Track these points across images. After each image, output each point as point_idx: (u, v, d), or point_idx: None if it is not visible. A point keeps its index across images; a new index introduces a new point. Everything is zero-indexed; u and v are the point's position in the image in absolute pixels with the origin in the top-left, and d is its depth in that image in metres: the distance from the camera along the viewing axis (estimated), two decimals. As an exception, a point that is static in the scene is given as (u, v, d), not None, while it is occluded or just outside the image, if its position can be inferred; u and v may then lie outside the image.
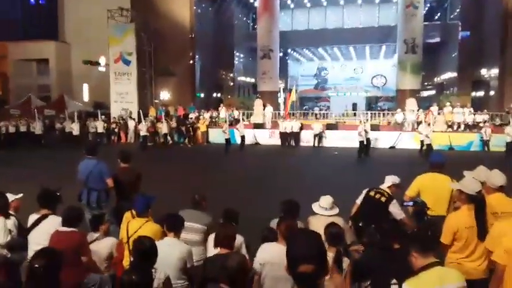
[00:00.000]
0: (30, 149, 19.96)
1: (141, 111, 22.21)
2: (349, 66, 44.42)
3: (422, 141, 17.45)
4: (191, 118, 23.44)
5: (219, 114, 24.94)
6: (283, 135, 21.55)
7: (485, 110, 22.16)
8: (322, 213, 4.45)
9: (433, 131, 18.25)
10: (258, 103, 25.24)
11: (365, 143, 17.31)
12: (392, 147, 20.34)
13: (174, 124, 22.65)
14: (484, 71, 27.16)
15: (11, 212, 4.69)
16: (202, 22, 32.52)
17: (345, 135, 21.22)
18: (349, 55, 43.25)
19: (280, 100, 30.63)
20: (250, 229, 4.72)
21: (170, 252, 3.69)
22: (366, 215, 4.91)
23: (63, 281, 2.89)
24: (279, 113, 26.09)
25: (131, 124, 23.51)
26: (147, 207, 4.45)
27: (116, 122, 24.14)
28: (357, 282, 3.57)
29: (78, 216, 4.21)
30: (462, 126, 21.18)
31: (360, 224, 4.88)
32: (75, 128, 21.65)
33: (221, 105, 26.78)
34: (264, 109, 24.34)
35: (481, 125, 20.25)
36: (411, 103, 22.89)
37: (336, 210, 4.53)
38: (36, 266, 2.61)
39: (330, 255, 3.22)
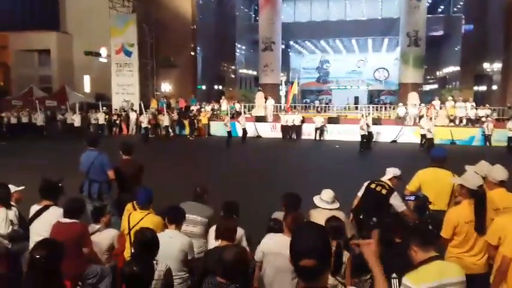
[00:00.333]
0: (32, 140, 19.99)
1: (142, 103, 22.18)
2: (352, 59, 44.21)
3: (423, 135, 17.42)
4: (192, 110, 23.40)
5: (220, 106, 24.89)
6: (285, 128, 21.54)
7: (488, 105, 22.06)
8: (324, 207, 4.46)
9: (435, 125, 18.20)
10: (259, 96, 25.16)
11: (367, 136, 17.29)
12: (394, 141, 20.32)
13: (175, 116, 22.63)
14: (486, 65, 26.98)
15: (12, 203, 4.71)
16: (204, 13, 32.31)
17: (346, 129, 21.20)
18: (352, 48, 43.03)
19: (282, 93, 30.52)
20: (251, 221, 4.74)
21: (171, 244, 3.71)
22: (366, 207, 4.92)
23: (64, 272, 2.91)
24: (280, 106, 26.02)
25: (133, 116, 23.50)
26: (149, 199, 4.46)
27: (117, 113, 24.13)
28: (357, 276, 3.58)
29: (80, 208, 4.22)
30: (464, 121, 21.12)
31: (361, 217, 4.89)
32: (76, 120, 21.67)
33: (222, 97, 26.70)
34: (265, 102, 24.27)
35: (483, 119, 20.19)
36: (413, 97, 22.80)
37: (337, 205, 4.53)
38: (37, 256, 2.62)
39: (331, 248, 3.23)
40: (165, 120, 21.73)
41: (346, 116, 25.75)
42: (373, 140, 18.50)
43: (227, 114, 21.29)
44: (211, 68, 34.22)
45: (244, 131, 19.93)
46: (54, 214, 4.28)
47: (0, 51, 34.37)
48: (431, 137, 16.79)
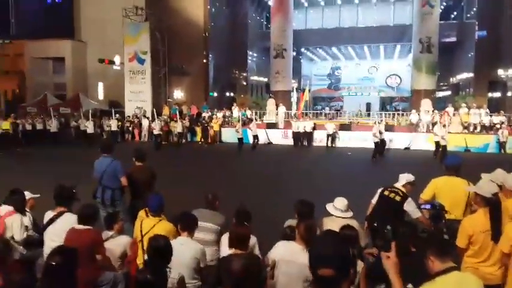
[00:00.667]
0: (46, 146, 20.26)
1: (154, 110, 22.35)
2: (363, 66, 44.05)
3: (437, 143, 17.21)
4: (204, 117, 23.50)
5: (232, 113, 24.97)
6: (296, 135, 21.48)
7: (502, 112, 21.75)
8: (338, 215, 4.42)
9: (449, 132, 17.99)
10: (270, 103, 25.20)
11: (380, 143, 17.15)
12: (407, 148, 20.12)
13: (187, 123, 22.75)
14: (501, 72, 26.63)
15: (26, 209, 4.77)
16: (216, 21, 32.58)
17: (358, 136, 21.08)
18: (363, 54, 42.88)
19: (293, 99, 30.53)
20: (263, 229, 4.72)
21: (183, 251, 3.70)
22: (381, 214, 4.87)
23: (78, 279, 2.91)
24: (291, 113, 26.00)
25: (145, 123, 23.69)
26: (160, 206, 4.47)
27: (130, 120, 24.35)
28: (371, 286, 3.53)
29: (94, 215, 4.25)
30: (478, 128, 20.84)
31: (375, 224, 4.84)
32: (89, 126, 21.90)
33: (234, 104, 26.79)
34: (276, 109, 24.28)
35: (498, 126, 19.90)
36: (426, 104, 22.60)
37: (351, 213, 4.50)
38: (53, 263, 2.63)
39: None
40: (178, 127, 21.84)
41: (358, 122, 25.61)
42: (386, 147, 18.33)
43: (239, 121, 21.33)
44: (223, 75, 34.41)
45: (256, 138, 19.93)
46: (68, 221, 4.31)
47: (16, 58, 35.04)
48: (445, 144, 16.57)
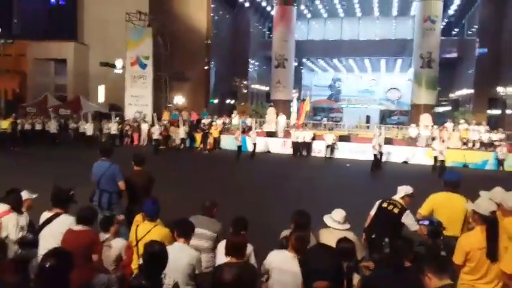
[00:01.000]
0: (45, 147, 20.22)
1: (155, 114, 22.37)
2: (364, 79, 44.28)
3: (435, 158, 17.24)
4: (204, 124, 23.52)
5: (231, 120, 24.99)
6: (295, 145, 21.49)
7: (501, 129, 21.83)
8: (335, 227, 4.41)
9: (448, 148, 18.03)
10: (271, 111, 25.24)
11: (378, 156, 17.18)
12: (405, 162, 20.14)
13: (187, 129, 22.77)
14: (500, 89, 26.80)
15: (23, 210, 4.75)
16: (219, 29, 32.79)
17: (357, 148, 21.11)
18: (364, 67, 43.16)
19: (293, 109, 30.59)
20: (260, 238, 4.70)
21: (179, 257, 3.69)
22: (379, 226, 4.88)
23: (72, 280, 2.90)
24: (291, 122, 26.03)
25: (144, 127, 23.68)
26: (156, 210, 4.45)
27: (129, 124, 24.35)
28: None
29: (93, 216, 4.29)
30: (477, 144, 20.89)
31: (373, 236, 4.84)
32: (88, 129, 21.88)
33: (234, 112, 26.83)
34: (276, 118, 24.32)
35: (497, 143, 19.96)
36: (426, 118, 22.68)
37: (348, 225, 4.48)
38: (47, 265, 2.61)
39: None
40: (180, 132, 21.86)
41: (358, 134, 25.66)
42: (383, 160, 18.34)
43: (238, 128, 21.34)
44: (223, 83, 34.53)
45: (254, 146, 19.93)
46: (64, 222, 4.30)
47: (18, 59, 35.14)
48: (443, 159, 16.60)
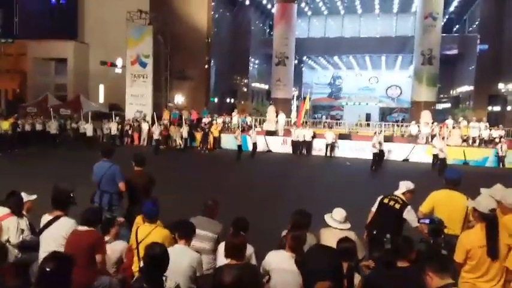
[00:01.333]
0: (45, 147, 20.21)
1: (155, 113, 22.36)
2: (364, 76, 44.27)
3: (436, 155, 17.22)
4: (204, 123, 23.51)
5: (231, 119, 24.98)
6: (295, 144, 21.47)
7: (501, 126, 21.80)
8: (335, 226, 4.41)
9: (448, 145, 18.01)
10: (271, 110, 25.22)
11: (379, 154, 17.15)
12: (405, 160, 20.12)
13: (187, 128, 22.76)
14: (501, 86, 26.76)
15: (23, 212, 4.75)
16: (219, 27, 32.74)
17: (357, 146, 21.09)
18: (365, 64, 43.13)
19: (293, 107, 30.59)
20: (260, 239, 4.70)
21: (180, 259, 3.68)
22: (380, 222, 4.88)
23: (75, 281, 2.90)
24: (291, 121, 26.02)
25: (145, 127, 23.66)
26: (156, 212, 4.45)
27: (129, 124, 24.33)
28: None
29: (97, 218, 4.31)
30: (477, 141, 20.87)
31: (375, 232, 4.84)
32: (88, 129, 21.87)
33: (235, 111, 26.80)
34: (277, 116, 24.30)
35: (497, 140, 19.94)
36: (426, 115, 22.64)
37: (349, 225, 4.48)
38: (47, 269, 2.61)
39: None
40: (183, 131, 21.86)
41: (358, 132, 25.64)
42: (384, 158, 18.33)
43: (238, 127, 21.33)
44: (224, 81, 34.51)
45: (255, 145, 19.91)
46: (65, 225, 4.30)
47: (18, 58, 35.12)
48: (444, 156, 16.57)
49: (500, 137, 20.18)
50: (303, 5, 36.20)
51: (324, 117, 35.99)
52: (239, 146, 19.20)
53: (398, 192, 5.06)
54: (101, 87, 31.11)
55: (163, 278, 3.17)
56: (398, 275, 3.30)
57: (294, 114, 27.11)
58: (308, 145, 21.50)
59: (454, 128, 21.62)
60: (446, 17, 33.29)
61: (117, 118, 24.09)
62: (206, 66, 30.00)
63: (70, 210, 4.58)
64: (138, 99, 26.46)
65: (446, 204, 4.77)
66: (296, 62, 34.05)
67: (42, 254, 3.98)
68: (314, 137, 21.83)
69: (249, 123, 24.03)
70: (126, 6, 26.56)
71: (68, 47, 34.84)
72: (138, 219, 4.67)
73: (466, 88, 33.24)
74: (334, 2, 36.74)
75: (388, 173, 15.85)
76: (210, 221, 4.70)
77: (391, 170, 16.76)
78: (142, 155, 6.37)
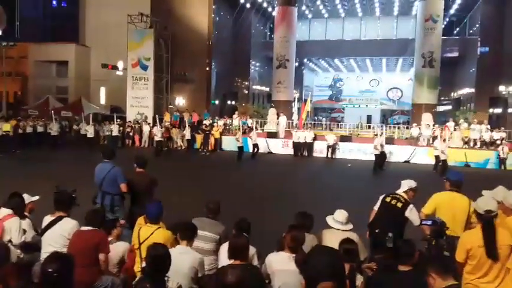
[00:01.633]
0: (46, 149, 20.24)
1: (157, 116, 22.41)
2: (365, 78, 44.32)
3: (437, 157, 17.22)
4: (205, 125, 23.54)
5: (232, 121, 25.00)
6: (296, 145, 21.48)
7: (503, 128, 21.79)
8: (337, 228, 4.41)
9: (449, 147, 18.01)
10: (272, 112, 25.25)
11: (380, 156, 17.15)
12: (406, 162, 20.11)
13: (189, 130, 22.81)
14: (502, 88, 26.76)
15: (26, 213, 4.76)
16: (220, 30, 32.80)
17: (358, 148, 21.10)
18: (365, 67, 43.18)
19: (294, 110, 30.61)
20: (262, 240, 4.69)
21: (182, 260, 3.68)
22: (382, 221, 4.88)
23: (78, 280, 2.91)
24: (292, 123, 26.02)
25: (146, 129, 23.72)
26: (159, 213, 4.45)
27: (130, 125, 24.38)
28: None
29: (101, 219, 4.35)
30: (479, 143, 20.86)
31: (377, 231, 4.83)
32: (90, 131, 21.91)
33: (236, 113, 26.81)
34: (277, 118, 24.31)
35: (498, 142, 19.93)
36: (427, 118, 22.65)
37: (351, 226, 4.48)
38: (49, 270, 2.62)
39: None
40: (186, 133, 21.91)
41: (359, 134, 25.64)
42: (386, 160, 18.33)
43: (239, 129, 21.34)
44: (225, 83, 34.56)
45: (255, 147, 19.93)
46: (67, 226, 4.31)
47: (19, 61, 35.25)
48: (445, 158, 16.58)
49: (502, 139, 20.17)
50: (303, 8, 36.28)
51: (323, 119, 36.05)
52: (240, 148, 19.21)
53: (400, 191, 5.07)
54: (102, 90, 31.19)
55: (165, 279, 3.17)
56: (400, 278, 3.30)
57: (295, 116, 27.08)
58: (309, 147, 21.50)
59: (455, 130, 21.62)
60: (447, 19, 33.32)
61: (119, 120, 24.13)
62: (207, 68, 30.05)
63: (72, 211, 4.59)
64: (139, 102, 26.53)
65: (448, 205, 4.76)
66: (297, 64, 34.02)
67: (44, 254, 3.99)
68: (315, 138, 21.84)
69: (249, 125, 24.04)
70: (127, 10, 26.66)
71: (69, 49, 34.98)
72: (140, 220, 4.67)
73: (467, 90, 33.24)
74: (334, 4, 36.79)
75: (390, 175, 15.83)
76: (212, 222, 4.70)
77: (393, 171, 16.74)
78: (143, 157, 6.38)
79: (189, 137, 21.91)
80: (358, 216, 5.12)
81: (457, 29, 37.16)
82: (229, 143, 21.97)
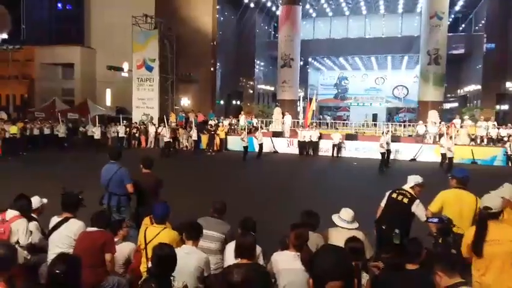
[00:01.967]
0: (54, 151, 20.36)
1: (165, 116, 22.49)
2: (370, 76, 44.16)
3: (443, 154, 17.12)
4: (210, 125, 23.58)
5: (238, 121, 25.01)
6: (302, 144, 21.45)
7: (510, 125, 21.62)
8: (343, 226, 4.40)
9: (455, 144, 17.90)
10: (277, 111, 25.24)
11: (386, 154, 17.08)
12: (413, 160, 20.01)
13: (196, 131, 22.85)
14: (509, 84, 26.56)
15: (33, 215, 4.80)
16: (225, 30, 32.85)
17: (364, 146, 21.03)
18: (371, 65, 43.02)
19: (299, 109, 30.59)
20: (267, 239, 4.69)
21: (188, 260, 3.69)
22: (389, 217, 4.87)
23: (84, 281, 2.93)
24: (297, 122, 26.00)
25: (152, 129, 23.80)
26: (165, 214, 4.47)
27: (136, 127, 24.48)
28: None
29: (106, 221, 4.37)
30: (485, 140, 20.72)
31: (383, 227, 4.82)
32: (96, 132, 22.04)
33: (242, 112, 26.83)
34: (283, 117, 24.30)
35: (505, 139, 19.77)
36: (433, 115, 22.52)
37: (357, 224, 4.47)
38: (57, 272, 2.63)
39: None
40: (193, 134, 21.98)
41: (364, 132, 25.56)
42: (392, 158, 18.24)
43: (244, 129, 21.34)
44: (230, 83, 34.61)
45: (261, 146, 19.93)
46: (73, 227, 4.34)
47: (25, 64, 35.52)
48: (452, 156, 16.47)
49: (509, 136, 19.99)
50: (307, 6, 36.23)
51: (328, 117, 35.96)
52: (245, 148, 19.23)
53: (406, 186, 5.06)
54: (108, 91, 31.36)
55: (171, 278, 3.18)
56: (407, 277, 3.29)
57: (300, 115, 27.06)
58: (314, 146, 21.46)
59: (461, 127, 21.48)
60: (452, 16, 33.14)
61: (125, 121, 24.25)
62: (212, 69, 30.10)
63: (79, 212, 4.63)
64: (145, 103, 26.64)
65: (455, 203, 4.73)
66: (301, 63, 34.01)
67: (51, 255, 4.02)
68: (320, 137, 21.80)
69: (255, 124, 24.04)
70: (131, 11, 26.77)
71: (75, 52, 35.20)
72: (146, 220, 4.70)
73: (474, 87, 33.03)
74: (339, 3, 36.71)
75: (396, 173, 15.74)
76: (218, 221, 4.71)
77: (399, 169, 16.65)
78: (150, 158, 6.41)
79: (196, 138, 21.97)
80: (364, 215, 5.10)
81: (463, 25, 36.92)
82: (235, 143, 21.99)
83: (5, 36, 30.46)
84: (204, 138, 22.74)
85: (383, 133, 18.94)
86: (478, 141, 20.77)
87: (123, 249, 4.52)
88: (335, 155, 20.87)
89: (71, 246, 4.17)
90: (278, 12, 32.00)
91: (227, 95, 34.23)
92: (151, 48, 26.34)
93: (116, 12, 31.12)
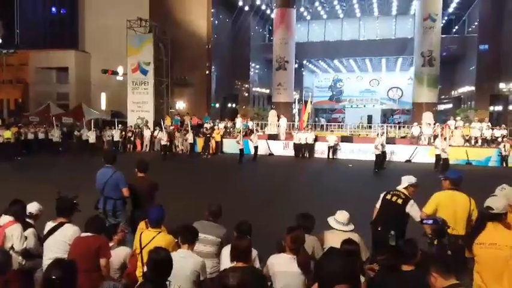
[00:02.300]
0: (48, 155, 20.26)
1: (162, 120, 22.46)
2: (365, 79, 44.32)
3: (438, 156, 17.20)
4: (206, 128, 23.56)
5: (234, 124, 25.01)
6: (297, 147, 21.48)
7: (504, 125, 21.77)
8: (339, 228, 4.41)
9: (450, 145, 17.99)
10: (272, 114, 25.27)
11: (381, 156, 17.13)
12: (408, 161, 20.10)
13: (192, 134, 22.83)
14: (502, 85, 26.72)
15: (30, 220, 4.78)
16: (219, 33, 32.87)
17: (359, 148, 21.09)
18: (365, 67, 43.20)
19: (295, 111, 30.61)
20: (263, 242, 4.69)
21: (183, 264, 3.68)
22: (384, 218, 4.88)
23: (79, 286, 2.91)
24: (293, 124, 26.04)
25: (147, 133, 23.74)
26: (160, 218, 4.45)
27: (131, 130, 24.41)
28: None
29: (101, 227, 4.36)
30: (480, 141, 20.84)
31: (379, 229, 4.83)
32: (91, 136, 21.95)
33: (238, 115, 26.83)
34: (278, 120, 24.33)
35: (500, 140, 19.91)
36: (428, 117, 22.64)
37: (352, 226, 4.48)
38: (53, 277, 2.62)
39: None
40: (189, 137, 21.96)
41: (359, 134, 25.63)
42: (387, 159, 18.31)
43: (240, 132, 21.34)
44: (225, 86, 34.61)
45: (256, 149, 19.93)
46: (68, 232, 4.32)
47: (20, 68, 35.37)
48: (446, 157, 16.55)
49: (503, 137, 20.14)
50: (302, 9, 36.34)
51: (322, 120, 36.04)
52: (241, 150, 19.23)
53: (400, 187, 5.08)
54: (103, 95, 31.25)
55: (167, 283, 3.17)
56: (402, 278, 3.29)
57: (296, 118, 27.09)
58: (310, 148, 21.50)
59: (456, 128, 21.60)
60: (446, 18, 33.35)
61: (120, 125, 24.17)
62: (207, 72, 30.11)
63: (74, 217, 4.60)
64: (140, 106, 26.59)
65: (449, 204, 4.75)
66: (296, 66, 34.05)
67: (46, 260, 4.00)
68: (316, 139, 21.84)
69: (250, 127, 24.06)
70: (126, 15, 26.76)
71: (69, 56, 35.11)
72: (142, 224, 4.68)
73: (468, 88, 33.21)
74: (333, 6, 36.85)
75: (391, 174, 15.79)
76: (213, 225, 4.70)
77: (394, 171, 16.69)
78: (145, 161, 6.39)
79: (192, 141, 21.93)
80: (360, 217, 5.12)
81: (456, 27, 37.17)
82: (230, 146, 21.99)
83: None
84: (200, 142, 22.71)
85: (378, 135, 19.00)
86: (473, 142, 20.90)
87: (119, 254, 4.50)
88: (331, 157, 20.92)
89: (66, 252, 4.14)
90: (273, 15, 32.06)
91: (222, 98, 34.22)
92: (146, 52, 26.32)
93: (110, 16, 31.10)
